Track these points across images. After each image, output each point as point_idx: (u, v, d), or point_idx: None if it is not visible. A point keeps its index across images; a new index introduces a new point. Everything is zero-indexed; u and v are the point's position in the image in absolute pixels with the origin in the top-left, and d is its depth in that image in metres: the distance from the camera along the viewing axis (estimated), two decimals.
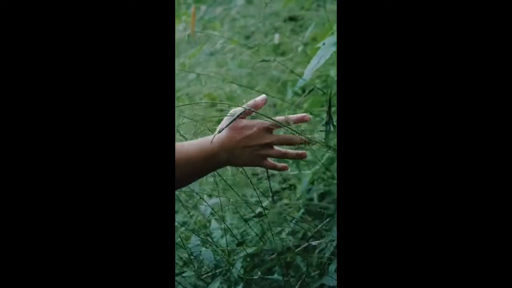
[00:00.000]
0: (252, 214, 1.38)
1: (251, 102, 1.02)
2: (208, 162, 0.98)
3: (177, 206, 1.44)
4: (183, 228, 1.48)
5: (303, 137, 1.03)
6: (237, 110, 1.02)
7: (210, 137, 0.99)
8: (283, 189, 1.66)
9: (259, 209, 1.37)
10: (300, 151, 1.05)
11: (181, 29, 2.45)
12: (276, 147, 1.03)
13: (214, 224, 1.38)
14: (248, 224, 1.33)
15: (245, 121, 1.01)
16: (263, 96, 1.04)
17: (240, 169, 1.26)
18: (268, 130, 1.01)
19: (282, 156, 1.04)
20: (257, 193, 1.43)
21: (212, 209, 1.36)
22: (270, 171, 1.27)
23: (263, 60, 1.32)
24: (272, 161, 1.05)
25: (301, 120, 1.04)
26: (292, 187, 1.58)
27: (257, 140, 1.00)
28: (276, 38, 2.33)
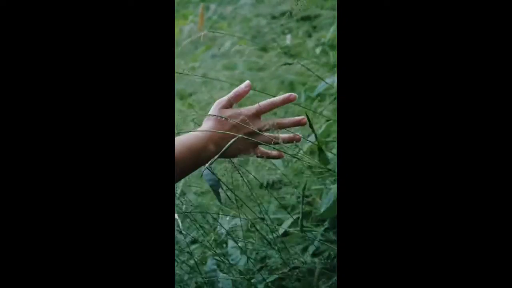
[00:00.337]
0: (274, 234, 1.27)
1: (233, 91, 0.99)
2: (198, 157, 0.94)
3: (191, 224, 1.33)
4: (195, 245, 1.37)
5: (297, 118, 0.99)
6: (221, 100, 0.98)
7: (193, 134, 0.95)
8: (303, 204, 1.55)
9: (281, 230, 1.25)
10: (294, 134, 1.00)
11: (188, 30, 2.33)
12: (266, 133, 0.97)
13: (231, 244, 1.27)
14: (271, 245, 1.21)
15: (230, 110, 0.96)
16: (247, 82, 0.99)
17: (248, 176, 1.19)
18: (256, 116, 0.97)
19: (274, 142, 0.98)
20: (261, 209, 1.30)
21: (228, 232, 1.24)
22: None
23: (285, 63, 1.20)
24: (264, 149, 1.01)
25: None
26: (314, 201, 1.46)
27: (245, 129, 0.96)
28: (288, 39, 2.22)
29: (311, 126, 1.02)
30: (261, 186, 1.53)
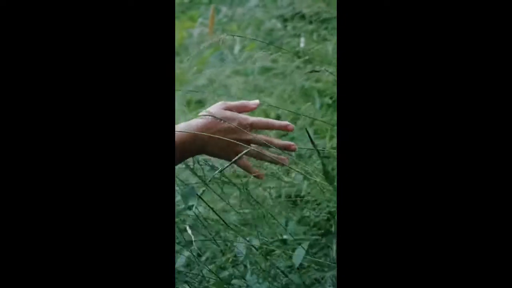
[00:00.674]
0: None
1: (242, 102, 1.02)
2: (183, 150, 0.96)
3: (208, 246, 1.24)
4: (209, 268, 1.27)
5: (286, 143, 1.00)
6: (227, 103, 1.00)
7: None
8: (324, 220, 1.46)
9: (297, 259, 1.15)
10: (281, 156, 1.01)
11: (198, 33, 2.23)
12: (254, 147, 0.99)
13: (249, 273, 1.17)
14: (288, 277, 1.12)
15: (229, 112, 0.98)
16: (257, 101, 1.02)
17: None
18: (250, 127, 0.99)
19: (258, 157, 1.00)
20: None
21: (243, 255, 1.15)
22: None
23: (312, 71, 1.12)
24: (246, 161, 1.01)
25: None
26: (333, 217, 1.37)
27: (236, 135, 0.97)
28: (302, 41, 2.11)
29: (312, 143, 1.04)
30: (279, 200, 1.44)
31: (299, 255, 1.14)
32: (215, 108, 0.99)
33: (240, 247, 1.18)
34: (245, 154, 0.97)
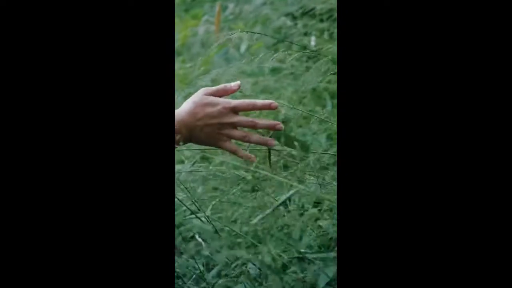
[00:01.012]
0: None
1: (223, 85, 1.03)
2: None
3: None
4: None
5: (272, 122, 1.01)
6: (208, 88, 1.01)
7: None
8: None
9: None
10: (267, 138, 1.02)
11: (203, 31, 2.15)
12: (239, 130, 1.01)
13: None
14: None
15: (211, 98, 1.00)
16: (238, 82, 1.04)
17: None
18: (233, 110, 1.00)
19: (244, 139, 1.01)
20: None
21: (255, 270, 1.09)
22: None
23: (334, 73, 1.05)
24: (234, 145, 1.02)
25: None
26: None
27: (219, 119, 0.99)
28: (313, 40, 2.04)
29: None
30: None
31: (323, 279, 1.06)
32: (197, 95, 1.00)
33: (252, 261, 1.11)
34: (229, 136, 0.99)
